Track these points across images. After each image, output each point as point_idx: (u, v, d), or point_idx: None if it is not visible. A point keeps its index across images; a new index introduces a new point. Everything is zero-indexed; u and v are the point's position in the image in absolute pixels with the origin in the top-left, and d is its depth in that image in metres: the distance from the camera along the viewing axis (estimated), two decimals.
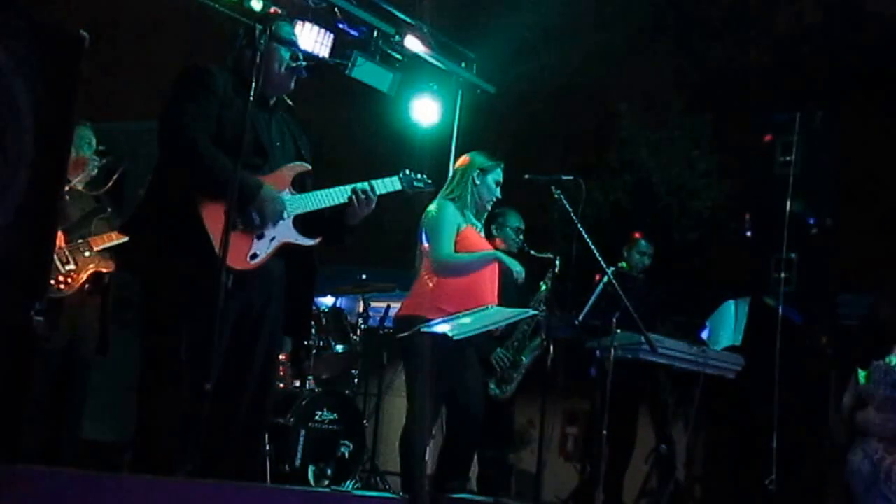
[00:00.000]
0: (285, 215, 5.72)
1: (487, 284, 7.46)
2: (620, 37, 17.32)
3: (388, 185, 6.14)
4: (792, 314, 10.21)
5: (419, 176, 6.36)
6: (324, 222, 5.95)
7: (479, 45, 11.57)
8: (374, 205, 6.02)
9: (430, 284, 7.40)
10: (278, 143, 5.89)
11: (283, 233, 5.72)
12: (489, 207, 7.69)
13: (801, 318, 10.30)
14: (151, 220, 5.64)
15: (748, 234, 10.96)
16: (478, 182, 7.55)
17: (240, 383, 5.67)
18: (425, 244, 7.46)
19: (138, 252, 5.78)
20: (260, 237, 5.62)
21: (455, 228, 7.44)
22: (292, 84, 6.00)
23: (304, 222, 5.84)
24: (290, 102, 6.16)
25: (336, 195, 5.92)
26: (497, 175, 7.61)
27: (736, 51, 18.04)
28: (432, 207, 7.45)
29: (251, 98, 5.36)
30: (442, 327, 6.65)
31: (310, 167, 5.96)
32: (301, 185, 5.90)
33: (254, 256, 5.58)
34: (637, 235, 10.39)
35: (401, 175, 6.23)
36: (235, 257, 5.39)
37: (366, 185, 5.99)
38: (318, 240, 5.88)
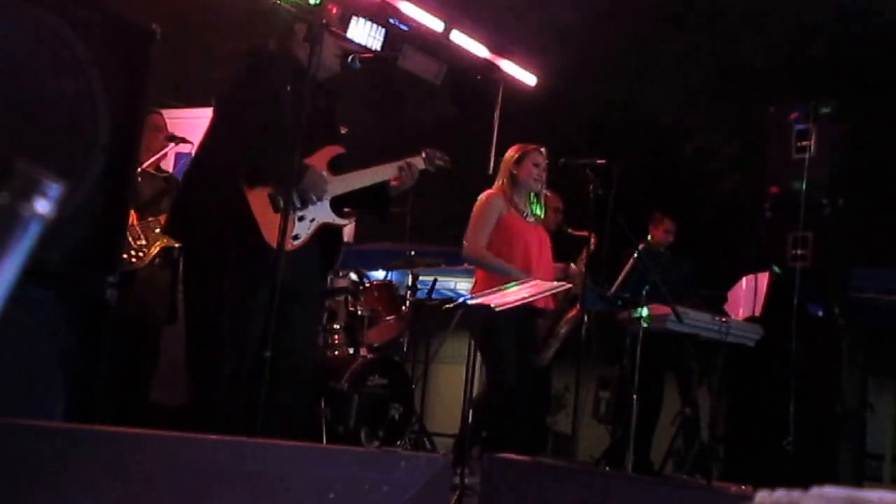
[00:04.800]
0: (326, 196, 5.72)
1: (539, 267, 7.51)
2: (639, 27, 17.22)
3: (412, 164, 6.14)
4: (815, 308, 10.14)
5: (438, 154, 6.33)
6: (361, 200, 5.96)
7: (521, 36, 11.53)
8: (416, 177, 6.09)
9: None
10: (318, 126, 5.86)
11: (321, 214, 5.72)
12: (538, 188, 7.70)
13: (822, 310, 10.23)
14: (198, 203, 5.61)
15: (767, 213, 10.86)
16: (515, 171, 7.59)
17: (284, 352, 5.65)
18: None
19: (186, 230, 5.76)
20: (301, 219, 5.61)
21: (493, 220, 7.52)
22: (336, 68, 5.96)
23: (338, 202, 5.83)
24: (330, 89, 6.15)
25: (375, 174, 5.93)
26: (533, 158, 7.65)
27: (754, 43, 17.92)
28: (481, 197, 7.52)
29: (306, 88, 5.33)
30: (484, 300, 6.59)
31: (344, 150, 5.94)
32: (336, 166, 5.86)
33: (296, 237, 5.58)
34: (661, 215, 10.41)
35: (423, 155, 6.20)
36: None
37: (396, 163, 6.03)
38: (352, 220, 5.88)
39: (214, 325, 5.41)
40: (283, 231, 5.13)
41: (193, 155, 5.89)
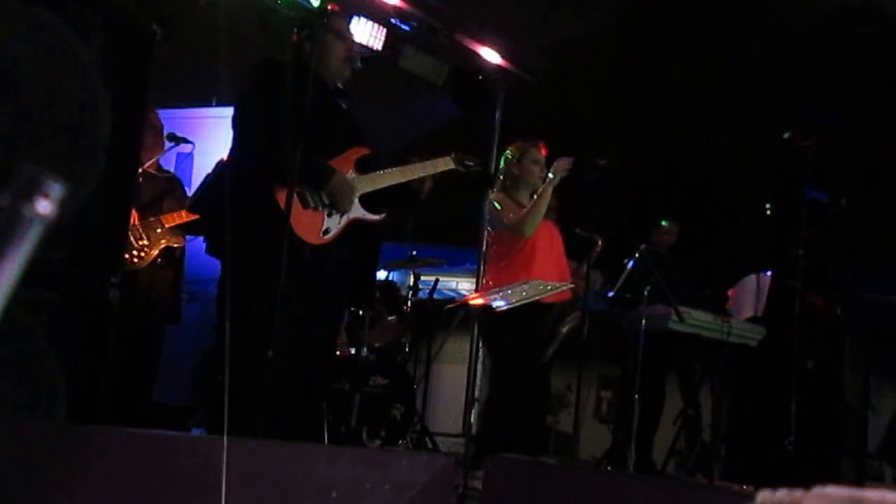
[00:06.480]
0: (355, 194, 5.76)
1: (548, 261, 7.51)
2: (641, 27, 17.22)
3: (441, 164, 6.16)
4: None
5: (468, 156, 6.38)
6: (391, 197, 6.02)
7: (523, 35, 11.53)
8: (436, 177, 6.13)
9: (502, 265, 7.49)
10: (341, 129, 5.93)
11: (352, 210, 5.79)
12: (539, 184, 7.65)
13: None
14: (226, 201, 5.67)
15: (769, 213, 10.88)
16: (516, 171, 7.57)
17: (303, 350, 5.68)
18: (497, 232, 7.55)
19: (213, 229, 5.81)
20: (330, 214, 5.69)
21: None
22: (348, 73, 6.01)
23: (370, 199, 5.90)
24: (348, 91, 6.19)
25: (403, 173, 6.02)
26: (531, 155, 7.64)
27: (756, 41, 17.92)
28: (496, 202, 7.53)
29: (310, 88, 5.36)
30: (485, 300, 6.59)
31: (369, 150, 5.99)
32: (363, 166, 5.90)
33: (326, 231, 5.68)
34: (663, 219, 10.41)
35: (452, 156, 6.22)
36: (310, 233, 5.56)
37: (426, 163, 6.08)
38: (383, 215, 5.94)
39: (252, 322, 5.46)
40: (285, 231, 5.14)
41: (219, 161, 5.94)
